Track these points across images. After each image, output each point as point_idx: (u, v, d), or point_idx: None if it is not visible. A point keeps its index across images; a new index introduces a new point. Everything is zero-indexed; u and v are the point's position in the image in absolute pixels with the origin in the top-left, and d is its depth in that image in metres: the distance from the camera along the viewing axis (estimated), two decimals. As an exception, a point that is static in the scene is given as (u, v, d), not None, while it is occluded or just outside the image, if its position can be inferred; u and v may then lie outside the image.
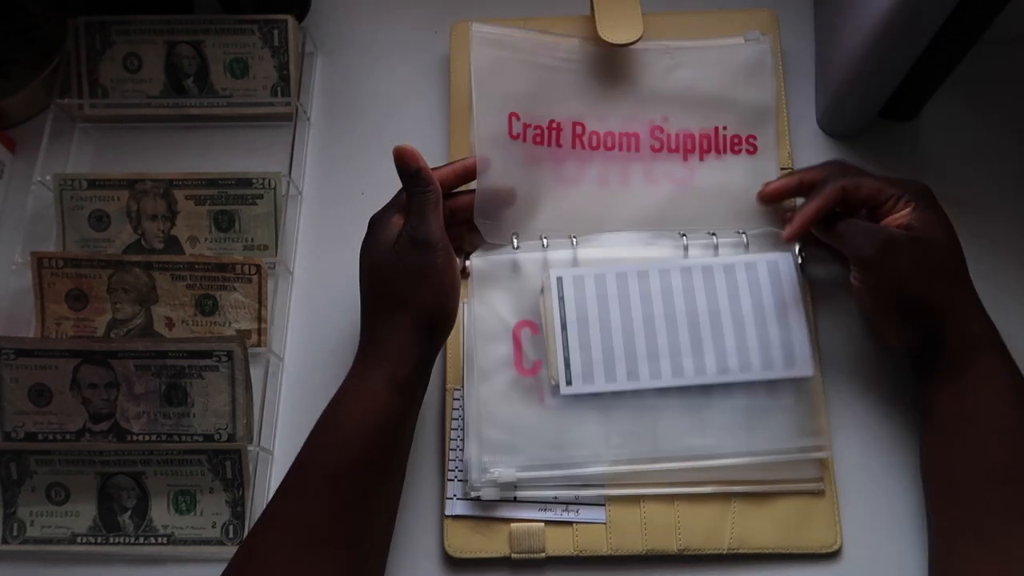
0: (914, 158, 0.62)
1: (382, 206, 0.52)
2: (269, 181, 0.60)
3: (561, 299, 0.55)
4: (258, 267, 0.58)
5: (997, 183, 0.62)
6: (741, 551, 0.52)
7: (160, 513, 0.54)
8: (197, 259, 0.58)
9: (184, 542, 0.54)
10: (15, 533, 0.54)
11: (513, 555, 0.52)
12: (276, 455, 0.57)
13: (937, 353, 0.51)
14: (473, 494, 0.53)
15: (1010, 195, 0.62)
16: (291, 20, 0.63)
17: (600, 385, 0.54)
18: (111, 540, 0.54)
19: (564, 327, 0.55)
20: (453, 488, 0.54)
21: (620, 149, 0.60)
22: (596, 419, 0.54)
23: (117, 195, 0.61)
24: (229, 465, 0.54)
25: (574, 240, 0.57)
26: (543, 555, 0.52)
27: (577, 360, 0.54)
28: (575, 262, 0.57)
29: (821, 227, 0.53)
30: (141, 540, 0.54)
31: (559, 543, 0.53)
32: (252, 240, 0.61)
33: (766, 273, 0.56)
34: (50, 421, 0.55)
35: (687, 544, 0.52)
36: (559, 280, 0.56)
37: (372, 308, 0.51)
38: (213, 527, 0.54)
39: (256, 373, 0.56)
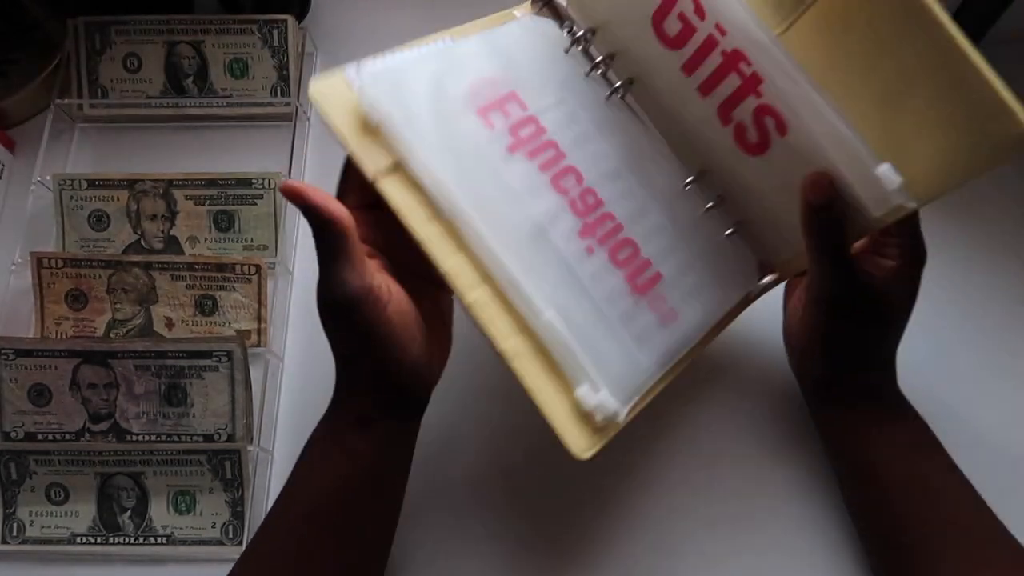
0: (914, 158, 0.62)
1: None
2: (269, 181, 0.60)
3: None
4: (258, 267, 0.58)
5: (997, 183, 0.62)
6: None
7: (160, 513, 0.54)
8: (197, 259, 0.58)
9: (184, 542, 0.54)
10: (15, 533, 0.54)
11: None
12: (276, 455, 0.57)
13: (843, 395, 0.49)
14: None
15: (1010, 195, 0.62)
16: (291, 20, 0.63)
17: None
18: (111, 540, 0.54)
19: None
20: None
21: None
22: None
23: (117, 195, 0.61)
24: (229, 465, 0.54)
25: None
26: None
27: None
28: None
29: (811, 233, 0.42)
30: (141, 540, 0.54)
31: None
32: (252, 240, 0.61)
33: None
34: (50, 421, 0.55)
35: None
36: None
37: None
38: (213, 527, 0.54)
39: (256, 373, 0.56)
